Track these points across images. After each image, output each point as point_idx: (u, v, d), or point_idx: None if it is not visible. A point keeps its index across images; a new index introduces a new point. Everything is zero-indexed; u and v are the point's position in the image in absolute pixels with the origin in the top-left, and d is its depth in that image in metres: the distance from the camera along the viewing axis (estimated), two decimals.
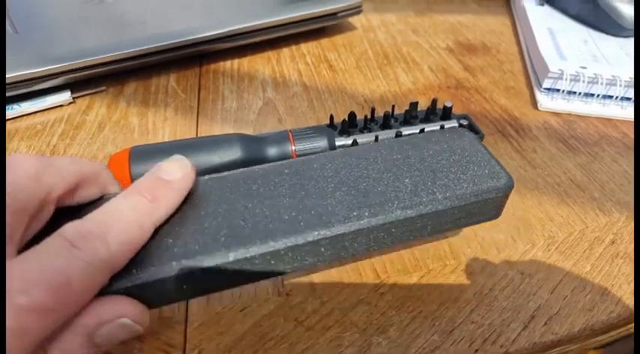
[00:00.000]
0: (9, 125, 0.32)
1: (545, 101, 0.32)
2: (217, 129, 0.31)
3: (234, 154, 0.23)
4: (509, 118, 0.32)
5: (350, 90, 0.35)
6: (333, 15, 0.40)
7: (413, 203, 0.18)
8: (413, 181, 0.19)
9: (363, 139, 0.26)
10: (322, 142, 0.25)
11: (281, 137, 0.25)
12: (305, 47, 0.40)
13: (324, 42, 0.41)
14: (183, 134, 0.31)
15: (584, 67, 0.32)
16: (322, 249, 0.17)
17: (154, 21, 0.36)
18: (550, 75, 0.32)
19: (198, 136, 0.31)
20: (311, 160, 0.20)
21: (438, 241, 0.23)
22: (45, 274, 0.12)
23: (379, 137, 0.26)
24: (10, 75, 0.31)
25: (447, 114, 0.27)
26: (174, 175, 0.17)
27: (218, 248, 0.16)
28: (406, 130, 0.26)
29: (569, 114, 0.32)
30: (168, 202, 0.16)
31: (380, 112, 0.32)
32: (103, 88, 0.35)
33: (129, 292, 0.15)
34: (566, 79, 0.31)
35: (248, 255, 0.16)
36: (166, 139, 0.30)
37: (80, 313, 0.14)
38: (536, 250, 0.23)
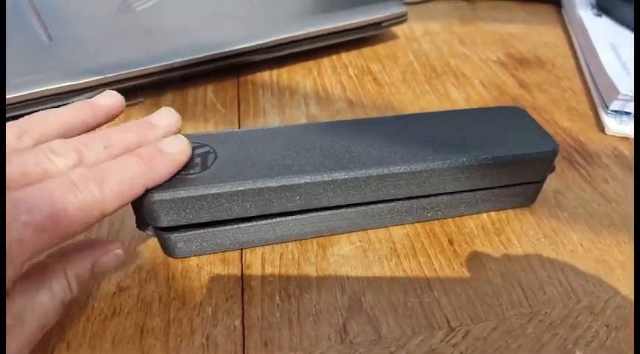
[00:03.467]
0: None
1: (613, 125, 0.30)
2: None
3: None
4: (574, 144, 0.29)
5: (399, 107, 0.33)
6: (376, 25, 0.38)
7: (476, 152, 0.22)
8: (474, 138, 0.23)
9: None
10: None
11: None
12: (346, 57, 0.38)
13: (366, 51, 0.39)
14: None
15: None
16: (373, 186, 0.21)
17: (191, 31, 0.34)
18: (620, 97, 0.29)
19: None
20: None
21: (510, 284, 0.21)
22: (47, 202, 0.16)
23: None
24: (48, 88, 0.29)
25: None
26: (172, 149, 0.20)
27: (253, 176, 0.20)
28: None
29: None
30: (162, 169, 0.19)
31: None
32: (140, 99, 0.33)
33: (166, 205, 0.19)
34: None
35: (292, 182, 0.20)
36: None
37: (90, 247, 0.19)
38: (620, 298, 0.21)
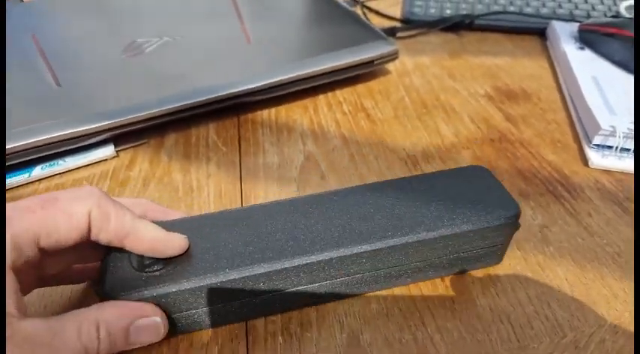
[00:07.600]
0: (55, 180, 0.32)
1: (596, 159, 0.31)
2: (261, 187, 0.31)
3: None
4: (559, 177, 0.31)
5: (391, 143, 0.34)
6: (369, 63, 0.39)
7: (436, 226, 0.22)
8: (436, 208, 0.23)
9: None
10: None
11: None
12: (341, 94, 0.40)
13: (360, 88, 0.41)
14: (227, 192, 0.30)
15: None
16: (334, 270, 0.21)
17: (192, 75, 0.36)
18: (601, 132, 0.31)
19: (243, 194, 0.30)
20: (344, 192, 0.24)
21: (500, 319, 0.23)
22: None
23: None
24: (57, 134, 0.31)
25: None
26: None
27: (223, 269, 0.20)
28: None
29: (621, 172, 0.31)
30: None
31: (424, 168, 0.32)
32: (145, 140, 0.35)
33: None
34: (618, 137, 0.30)
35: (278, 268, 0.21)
36: (211, 198, 0.30)
37: (128, 306, 0.19)
38: (604, 332, 0.22)
